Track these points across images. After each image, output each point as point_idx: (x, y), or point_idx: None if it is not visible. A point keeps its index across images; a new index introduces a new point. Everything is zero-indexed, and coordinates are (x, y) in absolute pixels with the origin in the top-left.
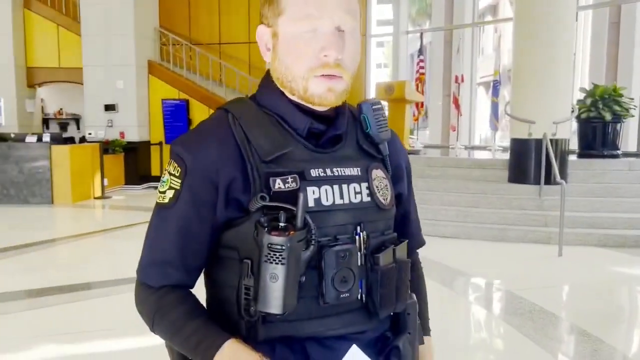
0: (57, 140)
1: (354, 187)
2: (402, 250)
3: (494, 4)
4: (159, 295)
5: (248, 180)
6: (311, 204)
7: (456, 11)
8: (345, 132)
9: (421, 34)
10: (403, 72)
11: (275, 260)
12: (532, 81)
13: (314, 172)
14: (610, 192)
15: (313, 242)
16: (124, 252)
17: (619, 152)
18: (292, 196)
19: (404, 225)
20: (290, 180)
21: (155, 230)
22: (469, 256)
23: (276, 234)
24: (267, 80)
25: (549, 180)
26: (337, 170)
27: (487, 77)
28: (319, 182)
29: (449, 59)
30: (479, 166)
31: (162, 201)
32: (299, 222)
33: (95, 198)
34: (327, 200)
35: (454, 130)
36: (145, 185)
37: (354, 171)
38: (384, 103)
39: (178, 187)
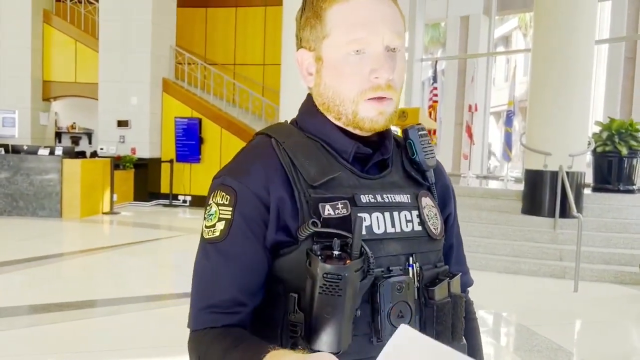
0: (69, 154)
1: (405, 215)
2: (456, 284)
3: (507, 35)
4: (204, 333)
5: (296, 205)
6: (362, 231)
7: (470, 41)
8: (391, 157)
9: (435, 61)
10: (416, 99)
11: (331, 291)
12: (548, 113)
13: (364, 198)
14: (626, 228)
15: (370, 272)
16: (131, 270)
17: (635, 187)
18: (342, 223)
19: (449, 259)
20: (340, 206)
21: (206, 271)
22: (480, 287)
23: (332, 262)
24: (309, 105)
25: (564, 213)
26: (387, 197)
27: (498, 107)
28: (369, 208)
29: (462, 87)
30: (492, 196)
31: (211, 235)
32: (356, 249)
33: (103, 213)
34: (378, 229)
35: (466, 159)
36: (154, 202)
37: (404, 198)
38: (396, 129)
39: (229, 217)
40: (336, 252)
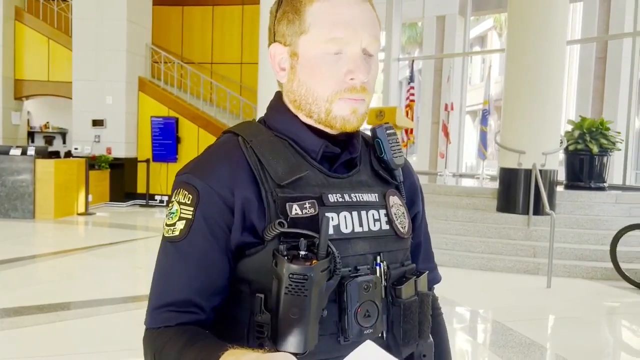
0: (42, 154)
1: (373, 214)
2: (423, 282)
3: (483, 35)
4: (159, 332)
5: (262, 205)
6: (330, 231)
7: (447, 40)
8: (359, 156)
9: (412, 61)
10: (393, 99)
11: (297, 292)
12: (522, 112)
13: (332, 197)
14: (597, 224)
15: (337, 272)
16: (107, 271)
17: (606, 184)
18: (309, 223)
19: (416, 256)
20: (307, 205)
21: (165, 269)
22: (456, 285)
23: (298, 263)
24: (277, 103)
25: (537, 210)
26: (355, 196)
27: (473, 106)
28: (337, 208)
29: (438, 86)
30: (468, 194)
31: (172, 234)
32: (322, 249)
33: (78, 214)
34: (346, 228)
35: (443, 157)
36: (130, 202)
37: (372, 197)
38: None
39: (190, 216)
40: (303, 253)
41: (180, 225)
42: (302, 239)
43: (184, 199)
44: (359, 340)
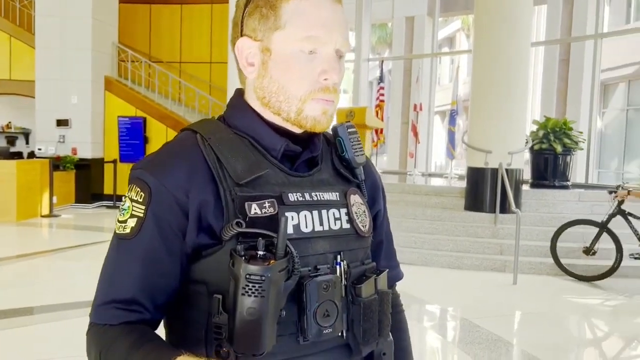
0: (3, 154)
1: (333, 213)
2: (383, 280)
3: (451, 36)
4: (104, 329)
5: (221, 204)
6: (290, 230)
7: (416, 41)
8: (320, 155)
9: (381, 61)
10: (363, 99)
11: (253, 292)
12: (489, 112)
13: (292, 197)
14: (561, 221)
15: (295, 272)
16: (72, 274)
17: (569, 183)
18: (269, 222)
19: (378, 254)
20: (267, 204)
21: (113, 265)
22: (425, 283)
23: (255, 263)
24: (238, 100)
25: (504, 208)
26: (316, 195)
27: (443, 107)
28: (297, 207)
29: (407, 87)
30: (437, 193)
31: (122, 231)
32: (280, 249)
33: (42, 216)
34: (306, 227)
35: (412, 157)
36: (97, 204)
37: (333, 196)
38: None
39: (141, 215)
40: (261, 253)
41: (132, 222)
42: (260, 238)
43: (136, 196)
44: (319, 340)
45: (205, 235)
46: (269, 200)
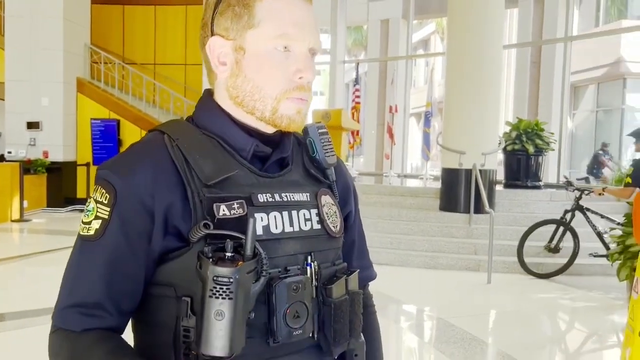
0: None
1: (304, 214)
2: (354, 280)
3: (426, 38)
4: (75, 338)
5: (188, 206)
6: (259, 231)
7: (391, 44)
8: (290, 155)
9: (357, 64)
10: (339, 101)
11: (221, 294)
12: (462, 114)
13: (261, 197)
14: (534, 221)
15: (264, 273)
16: (43, 280)
17: (541, 183)
18: (238, 223)
19: (350, 255)
20: (236, 206)
21: (77, 268)
22: (401, 283)
23: (223, 265)
24: (207, 100)
25: (478, 209)
26: (286, 196)
27: (418, 109)
28: (267, 208)
29: (383, 89)
30: (412, 194)
31: (86, 233)
32: (249, 250)
33: (12, 221)
34: (276, 228)
35: (388, 159)
36: (69, 208)
37: (303, 197)
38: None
39: (106, 217)
40: (229, 254)
41: (96, 224)
42: (228, 240)
43: (101, 198)
44: (289, 342)
45: (173, 238)
46: (238, 201)
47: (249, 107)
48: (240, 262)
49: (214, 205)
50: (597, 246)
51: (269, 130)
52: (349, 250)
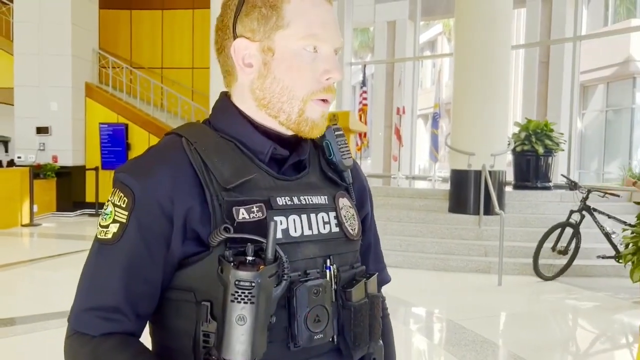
0: None
1: (322, 217)
2: (373, 284)
3: (433, 40)
4: (95, 343)
5: (207, 210)
6: (279, 235)
7: (397, 45)
8: (307, 158)
9: (364, 65)
10: (346, 103)
11: (243, 299)
12: (471, 115)
13: (280, 201)
14: (544, 222)
15: (285, 277)
16: (54, 284)
17: (551, 184)
18: (258, 227)
19: (367, 257)
20: (255, 209)
21: (95, 271)
22: (411, 285)
23: (244, 269)
24: (224, 103)
25: (487, 210)
26: (305, 199)
27: (425, 110)
28: (286, 211)
29: (390, 90)
30: (421, 196)
31: (104, 237)
32: (270, 254)
33: (22, 225)
34: (295, 232)
35: (396, 160)
36: (78, 212)
37: (322, 199)
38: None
39: (124, 220)
40: (250, 258)
41: (114, 228)
42: (249, 244)
43: (119, 201)
44: (309, 346)
45: (192, 242)
46: (257, 204)
47: (275, 109)
48: (262, 266)
49: (234, 208)
50: (603, 247)
51: (289, 133)
52: (365, 252)
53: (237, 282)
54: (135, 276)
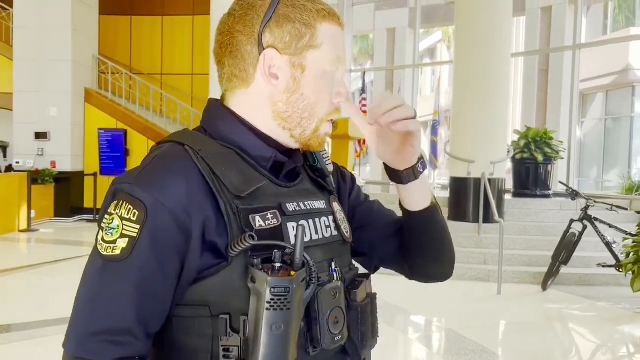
0: None
1: (324, 221)
2: (370, 283)
3: (432, 47)
4: None
5: (222, 220)
6: (292, 240)
7: (397, 52)
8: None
9: (364, 73)
10: (345, 110)
11: (279, 306)
12: (471, 122)
13: (290, 207)
14: (543, 230)
15: (313, 281)
16: (51, 290)
17: (551, 192)
18: (273, 233)
19: (379, 218)
20: (270, 216)
21: (100, 290)
22: (410, 294)
23: (278, 275)
24: (220, 110)
25: (487, 218)
26: (309, 204)
27: (425, 117)
28: (297, 217)
29: None
30: None
31: (111, 253)
32: (298, 259)
33: (20, 231)
34: (306, 237)
35: None
36: (76, 217)
37: (321, 204)
38: (328, 139)
39: (135, 235)
40: (278, 265)
41: (122, 243)
42: (275, 250)
43: (127, 215)
44: (330, 348)
45: (209, 254)
46: (271, 211)
47: (293, 124)
48: (293, 272)
49: (250, 216)
50: (603, 255)
51: (293, 145)
52: (370, 216)
53: (272, 290)
54: (147, 294)
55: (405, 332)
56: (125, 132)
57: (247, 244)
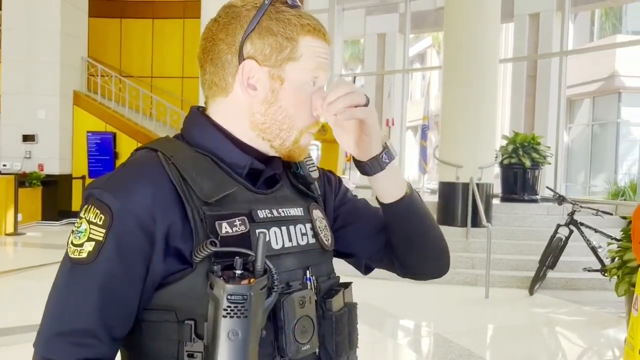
0: None
1: (300, 229)
2: (349, 293)
3: (422, 52)
4: None
5: (189, 226)
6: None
7: (387, 57)
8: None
9: (354, 77)
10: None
11: (236, 313)
12: (459, 127)
13: (261, 214)
14: (531, 235)
15: (275, 289)
16: (38, 295)
17: (538, 197)
18: (241, 240)
19: (363, 215)
20: (238, 223)
21: (66, 292)
22: (397, 298)
23: (236, 282)
24: (198, 117)
25: (475, 222)
26: (283, 211)
27: (415, 122)
28: (267, 224)
29: (379, 102)
30: None
31: (77, 256)
32: (260, 266)
33: (6, 234)
34: (277, 244)
35: None
36: (64, 221)
37: (298, 211)
38: (318, 143)
39: (100, 239)
40: (239, 272)
41: (89, 246)
42: (237, 257)
43: (94, 219)
44: (297, 358)
45: (174, 260)
46: (240, 218)
47: (272, 135)
48: (252, 279)
49: (216, 223)
50: (589, 260)
51: (271, 153)
52: (358, 213)
53: (229, 297)
54: (111, 297)
55: (393, 336)
56: (114, 135)
57: (208, 250)
